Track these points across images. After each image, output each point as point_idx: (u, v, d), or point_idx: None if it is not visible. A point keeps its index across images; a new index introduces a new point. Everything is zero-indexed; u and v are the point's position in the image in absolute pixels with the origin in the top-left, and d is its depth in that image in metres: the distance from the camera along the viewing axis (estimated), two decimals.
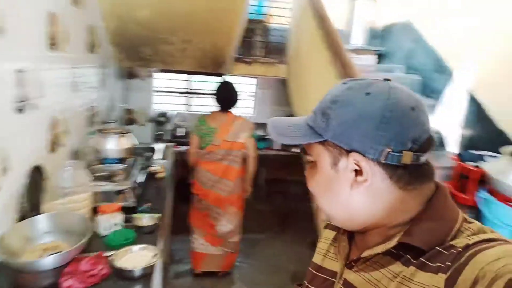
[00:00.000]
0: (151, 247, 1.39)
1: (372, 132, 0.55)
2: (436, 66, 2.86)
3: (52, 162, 1.78)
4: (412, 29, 3.18)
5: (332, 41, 2.18)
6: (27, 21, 1.51)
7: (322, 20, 2.37)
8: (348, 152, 0.58)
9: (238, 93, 2.82)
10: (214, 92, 2.80)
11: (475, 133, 2.33)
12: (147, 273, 1.29)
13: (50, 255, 1.25)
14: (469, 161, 1.97)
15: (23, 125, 1.49)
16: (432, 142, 0.58)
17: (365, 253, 0.60)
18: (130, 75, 4.01)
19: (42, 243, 1.35)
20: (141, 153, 2.59)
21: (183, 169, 4.05)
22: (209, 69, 3.51)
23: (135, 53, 3.12)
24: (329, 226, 0.80)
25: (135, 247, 1.39)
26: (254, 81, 4.67)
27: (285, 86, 4.48)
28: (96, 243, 1.48)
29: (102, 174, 1.94)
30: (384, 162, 0.56)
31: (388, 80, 0.60)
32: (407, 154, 0.55)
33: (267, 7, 3.83)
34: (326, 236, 0.78)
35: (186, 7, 2.55)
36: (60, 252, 1.29)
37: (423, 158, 0.57)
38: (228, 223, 2.86)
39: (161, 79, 4.33)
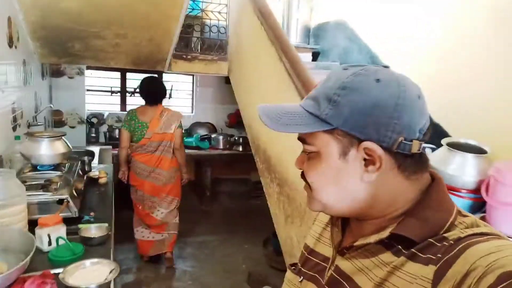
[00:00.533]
0: (105, 261, 1.25)
1: (386, 120, 0.54)
2: (372, 63, 3.00)
3: None
4: (347, 27, 3.30)
5: (277, 36, 2.17)
6: None
7: (264, 15, 2.35)
8: (361, 141, 0.55)
9: (165, 87, 3.01)
10: (138, 87, 2.96)
11: None
12: None
13: None
14: None
15: None
16: (430, 131, 0.58)
17: (359, 242, 0.60)
18: (57, 72, 3.66)
19: None
20: (76, 157, 2.37)
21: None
22: (145, 66, 3.33)
23: (62, 49, 2.84)
24: None
25: (87, 262, 1.24)
26: (190, 78, 4.55)
27: (226, 84, 4.45)
28: (39, 261, 1.31)
29: (36, 182, 1.72)
30: (395, 151, 0.54)
31: (387, 67, 0.59)
32: (416, 143, 0.55)
33: (203, 2, 3.73)
34: (320, 219, 0.78)
35: None
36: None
37: (423, 147, 0.57)
38: (165, 209, 2.99)
39: (93, 78, 4.02)
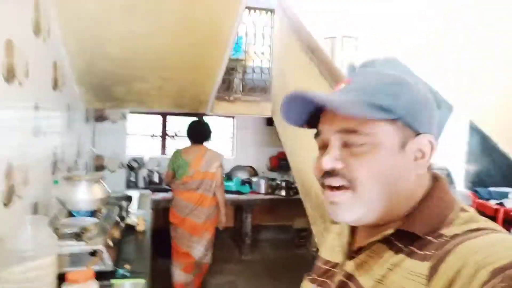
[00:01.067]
0: None
1: (434, 115, 0.59)
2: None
3: (6, 220, 1.43)
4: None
5: (329, 69, 2.02)
6: None
7: (314, 50, 2.22)
8: (417, 133, 0.57)
9: (209, 128, 3.11)
10: (187, 129, 3.10)
11: (483, 167, 2.18)
12: None
13: None
14: (489, 199, 1.79)
15: None
16: None
17: (365, 242, 0.61)
18: (100, 117, 3.69)
19: None
20: (115, 203, 2.24)
21: (161, 219, 3.70)
22: (187, 108, 3.27)
23: (106, 93, 2.84)
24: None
25: None
26: (231, 121, 4.47)
27: (267, 126, 4.32)
28: None
29: (70, 231, 1.58)
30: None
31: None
32: None
33: (245, 44, 3.71)
34: (332, 229, 0.79)
35: (165, 41, 2.33)
36: None
37: None
38: (202, 247, 3.02)
39: (134, 122, 4.04)
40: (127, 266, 1.56)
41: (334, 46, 3.92)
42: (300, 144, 2.61)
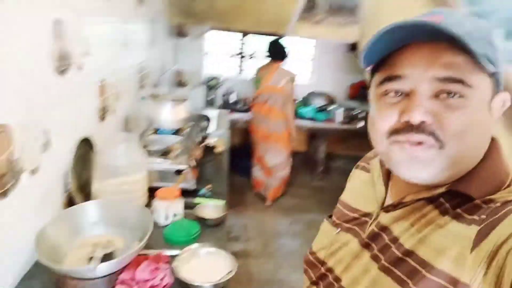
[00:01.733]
0: (222, 253, 1.09)
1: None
2: None
3: (102, 133, 1.53)
4: None
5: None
6: None
7: None
8: (498, 90, 0.54)
9: (286, 47, 3.19)
10: (267, 46, 3.23)
11: None
12: None
13: (103, 256, 0.99)
14: None
15: (66, 90, 1.21)
16: None
17: (408, 198, 0.58)
18: (180, 33, 3.68)
19: (92, 236, 1.09)
20: (194, 123, 2.30)
21: (237, 138, 3.80)
22: (267, 28, 3.11)
23: (189, 8, 2.77)
24: (360, 167, 0.79)
25: (203, 251, 1.10)
26: (313, 43, 4.21)
27: (350, 51, 4.02)
28: (153, 236, 1.22)
29: (156, 148, 1.66)
30: None
31: None
32: None
33: None
34: (357, 176, 0.78)
35: None
36: (113, 250, 1.04)
37: None
38: (274, 156, 3.34)
39: (213, 40, 3.98)
40: (209, 186, 1.62)
41: None
42: None
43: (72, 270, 0.90)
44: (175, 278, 1.01)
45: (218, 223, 1.34)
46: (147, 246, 1.14)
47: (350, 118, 3.82)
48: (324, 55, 4.11)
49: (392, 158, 0.55)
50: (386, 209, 0.62)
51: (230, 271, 1.01)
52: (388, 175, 0.67)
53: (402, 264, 0.53)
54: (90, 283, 0.94)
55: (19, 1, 0.93)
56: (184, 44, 3.74)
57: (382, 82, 0.55)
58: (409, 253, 0.53)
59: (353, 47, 3.78)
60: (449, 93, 0.50)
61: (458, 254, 0.48)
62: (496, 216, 0.47)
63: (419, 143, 0.51)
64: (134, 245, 1.02)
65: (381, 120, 0.55)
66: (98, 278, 0.95)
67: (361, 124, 3.73)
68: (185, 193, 1.51)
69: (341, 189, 0.79)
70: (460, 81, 0.49)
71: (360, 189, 0.73)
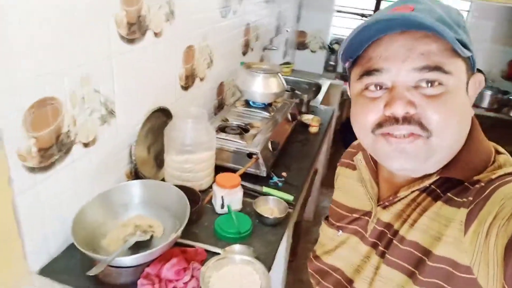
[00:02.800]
0: (258, 266, 0.95)
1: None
2: None
3: (185, 103, 1.49)
4: None
5: None
6: None
7: None
8: (473, 72, 0.54)
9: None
10: None
11: None
12: None
13: (135, 243, 0.96)
14: None
15: (135, 59, 1.16)
16: None
17: (402, 193, 0.59)
18: None
19: (135, 217, 1.07)
20: (301, 90, 2.12)
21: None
22: None
23: None
24: (344, 164, 0.79)
25: (237, 258, 0.97)
26: (466, 7, 3.42)
27: None
28: (207, 223, 1.16)
29: (236, 124, 1.56)
30: None
31: None
32: None
33: None
34: (343, 174, 0.77)
35: None
36: (147, 239, 1.00)
37: None
38: None
39: None
40: (284, 174, 1.47)
41: None
42: None
43: (96, 257, 0.88)
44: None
45: (276, 223, 1.20)
46: (192, 236, 1.08)
47: (501, 103, 3.07)
48: (479, 21, 3.32)
49: (380, 152, 0.55)
50: (382, 205, 0.63)
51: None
52: (375, 170, 0.68)
53: (407, 256, 0.56)
54: (117, 270, 0.93)
55: None
56: (312, 2, 3.45)
57: (361, 77, 0.55)
58: (411, 243, 0.55)
59: None
60: (428, 81, 0.50)
61: (454, 238, 0.50)
62: (483, 195, 0.48)
63: (406, 136, 0.51)
64: (169, 236, 0.96)
65: (364, 114, 0.55)
66: (125, 266, 0.92)
67: None
68: (254, 178, 1.39)
69: None
70: (438, 69, 0.50)
71: (351, 188, 0.73)
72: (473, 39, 0.54)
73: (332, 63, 3.55)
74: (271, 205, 1.26)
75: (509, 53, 3.35)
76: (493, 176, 0.50)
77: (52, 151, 0.91)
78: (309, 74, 3.16)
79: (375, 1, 3.59)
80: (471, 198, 0.49)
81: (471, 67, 0.54)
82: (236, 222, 1.13)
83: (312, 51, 3.58)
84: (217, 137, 1.38)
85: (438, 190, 0.56)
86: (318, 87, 2.62)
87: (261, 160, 1.39)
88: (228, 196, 1.20)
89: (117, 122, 1.12)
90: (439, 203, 0.54)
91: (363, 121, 0.55)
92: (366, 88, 0.55)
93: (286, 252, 1.55)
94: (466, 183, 0.53)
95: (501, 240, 0.42)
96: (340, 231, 0.70)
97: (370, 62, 0.53)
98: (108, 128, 1.09)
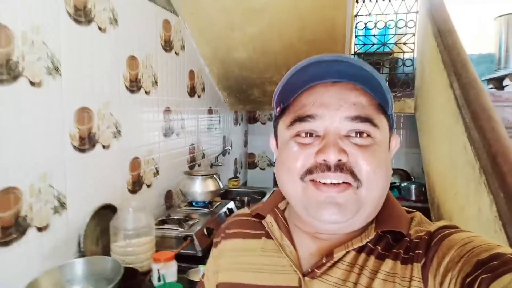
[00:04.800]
0: None
1: None
2: None
3: (132, 203, 1.77)
4: None
5: (451, 56, 1.66)
6: (100, 64, 1.57)
7: (442, 33, 1.87)
8: (392, 130, 0.57)
9: None
10: None
11: None
12: None
13: None
14: None
15: (87, 164, 1.50)
16: None
17: (338, 253, 0.53)
18: (251, 119, 4.04)
19: None
20: (248, 196, 2.45)
21: None
22: None
23: (245, 96, 3.09)
24: (231, 235, 0.67)
25: None
26: None
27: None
28: None
29: (176, 217, 1.84)
30: None
31: None
32: None
33: (392, 35, 3.38)
34: (231, 248, 0.65)
35: (282, 42, 2.39)
36: None
37: None
38: None
39: None
40: None
41: (510, 25, 3.16)
42: (428, 143, 2.23)
43: None
44: None
45: None
46: None
47: (425, 195, 3.49)
48: (396, 131, 3.99)
49: (311, 200, 0.51)
50: (312, 274, 0.54)
51: None
52: (290, 235, 0.60)
53: None
54: None
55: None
56: (256, 128, 4.07)
57: (292, 123, 0.54)
58: None
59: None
60: (358, 132, 0.51)
61: None
62: (430, 247, 0.48)
63: (335, 184, 0.50)
64: None
65: (294, 160, 0.53)
66: None
67: None
68: (191, 258, 1.61)
69: None
70: (368, 120, 0.51)
71: (256, 261, 0.61)
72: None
73: None
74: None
75: (416, 154, 3.94)
76: (432, 229, 0.50)
77: (11, 230, 1.16)
78: (258, 188, 3.56)
79: None
80: (419, 251, 0.48)
81: (391, 126, 0.56)
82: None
83: (261, 169, 4.06)
84: (159, 227, 1.64)
85: (377, 248, 0.53)
86: (263, 193, 2.98)
87: (196, 242, 1.63)
88: (163, 269, 1.41)
89: (68, 214, 1.39)
90: (388, 261, 0.51)
91: (292, 167, 0.53)
92: (297, 135, 0.53)
93: None
94: (406, 237, 0.52)
95: None
96: None
97: (304, 108, 0.52)
98: (59, 218, 1.35)
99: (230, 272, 0.63)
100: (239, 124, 3.77)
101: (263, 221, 0.64)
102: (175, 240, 1.67)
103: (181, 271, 1.46)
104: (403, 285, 0.48)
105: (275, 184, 3.16)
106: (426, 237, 0.49)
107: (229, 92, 3.05)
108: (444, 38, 1.84)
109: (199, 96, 2.62)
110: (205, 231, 1.73)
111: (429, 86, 2.33)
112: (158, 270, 1.41)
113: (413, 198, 3.52)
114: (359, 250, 0.53)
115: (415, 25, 2.92)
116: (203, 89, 2.69)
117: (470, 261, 0.43)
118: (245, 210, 0.71)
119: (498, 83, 3.38)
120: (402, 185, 3.61)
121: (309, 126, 0.52)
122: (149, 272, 1.49)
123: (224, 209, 2.07)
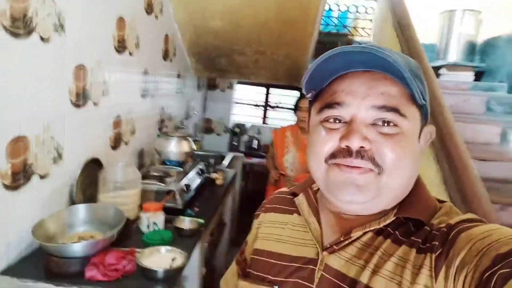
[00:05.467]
0: (177, 250, 1.34)
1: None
2: None
3: (112, 158, 1.88)
4: None
5: (411, 49, 1.95)
6: (95, 23, 1.62)
7: (402, 27, 2.15)
8: (426, 123, 0.57)
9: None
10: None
11: None
12: (170, 276, 1.25)
13: None
14: None
15: (81, 120, 1.58)
16: None
17: (356, 233, 0.55)
18: (212, 86, 4.16)
19: (79, 232, 1.39)
20: (208, 159, 2.64)
21: (254, 180, 4.06)
22: (283, 81, 3.46)
23: (212, 64, 3.21)
24: (270, 209, 0.73)
25: (163, 248, 1.35)
26: None
27: None
28: (136, 239, 1.49)
29: (156, 174, 1.98)
30: None
31: None
32: None
33: (351, 19, 3.66)
34: (269, 220, 0.71)
35: (258, 18, 2.54)
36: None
37: None
38: None
39: (241, 92, 4.42)
40: (196, 209, 1.89)
41: (452, 20, 3.58)
42: None
43: (56, 246, 1.19)
44: (137, 266, 1.27)
45: (192, 234, 1.59)
46: (127, 246, 1.42)
47: None
48: None
49: (332, 182, 0.54)
50: (330, 249, 0.57)
51: (174, 258, 1.25)
52: (318, 212, 0.64)
53: None
54: (69, 261, 1.23)
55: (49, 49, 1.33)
56: (215, 95, 4.21)
57: (321, 110, 0.56)
58: None
59: None
60: (385, 121, 0.52)
61: (424, 286, 0.48)
62: (447, 240, 0.48)
63: (357, 167, 0.51)
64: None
65: (320, 144, 0.55)
66: (76, 258, 1.23)
67: None
68: (173, 211, 1.78)
69: None
70: (395, 110, 0.51)
71: (286, 234, 0.66)
72: None
73: (235, 143, 4.22)
74: (187, 222, 1.66)
75: None
76: (452, 222, 0.50)
77: (19, 176, 1.25)
78: (214, 151, 3.75)
79: (265, 95, 4.50)
80: (436, 243, 0.49)
81: (425, 117, 0.56)
82: (162, 233, 1.50)
83: (217, 135, 4.24)
84: (143, 182, 1.78)
85: (396, 232, 0.54)
86: (222, 157, 3.18)
87: (177, 196, 1.81)
88: (152, 218, 1.58)
89: (64, 165, 1.49)
90: (405, 247, 0.52)
91: (318, 150, 0.55)
92: (326, 120, 0.56)
93: (200, 263, 1.87)
94: (425, 226, 0.52)
95: (471, 286, 0.42)
96: (276, 287, 0.61)
97: (334, 95, 0.54)
98: (57, 168, 1.45)
99: (264, 240, 0.68)
100: (200, 90, 3.88)
101: (295, 199, 0.68)
102: (156, 194, 1.83)
103: (165, 221, 1.64)
104: (413, 272, 0.49)
105: (230, 149, 3.40)
106: (445, 229, 0.49)
107: (197, 59, 3.14)
108: (403, 31, 2.12)
109: (171, 61, 2.70)
110: (184, 187, 1.91)
111: None
112: (148, 218, 1.57)
113: None
114: (378, 233, 0.55)
115: (373, 12, 3.21)
116: (174, 54, 2.77)
117: (489, 255, 0.42)
118: (285, 188, 0.76)
119: (435, 71, 3.84)
120: None
121: (336, 113, 0.54)
122: (135, 220, 1.65)
123: (196, 169, 2.24)
